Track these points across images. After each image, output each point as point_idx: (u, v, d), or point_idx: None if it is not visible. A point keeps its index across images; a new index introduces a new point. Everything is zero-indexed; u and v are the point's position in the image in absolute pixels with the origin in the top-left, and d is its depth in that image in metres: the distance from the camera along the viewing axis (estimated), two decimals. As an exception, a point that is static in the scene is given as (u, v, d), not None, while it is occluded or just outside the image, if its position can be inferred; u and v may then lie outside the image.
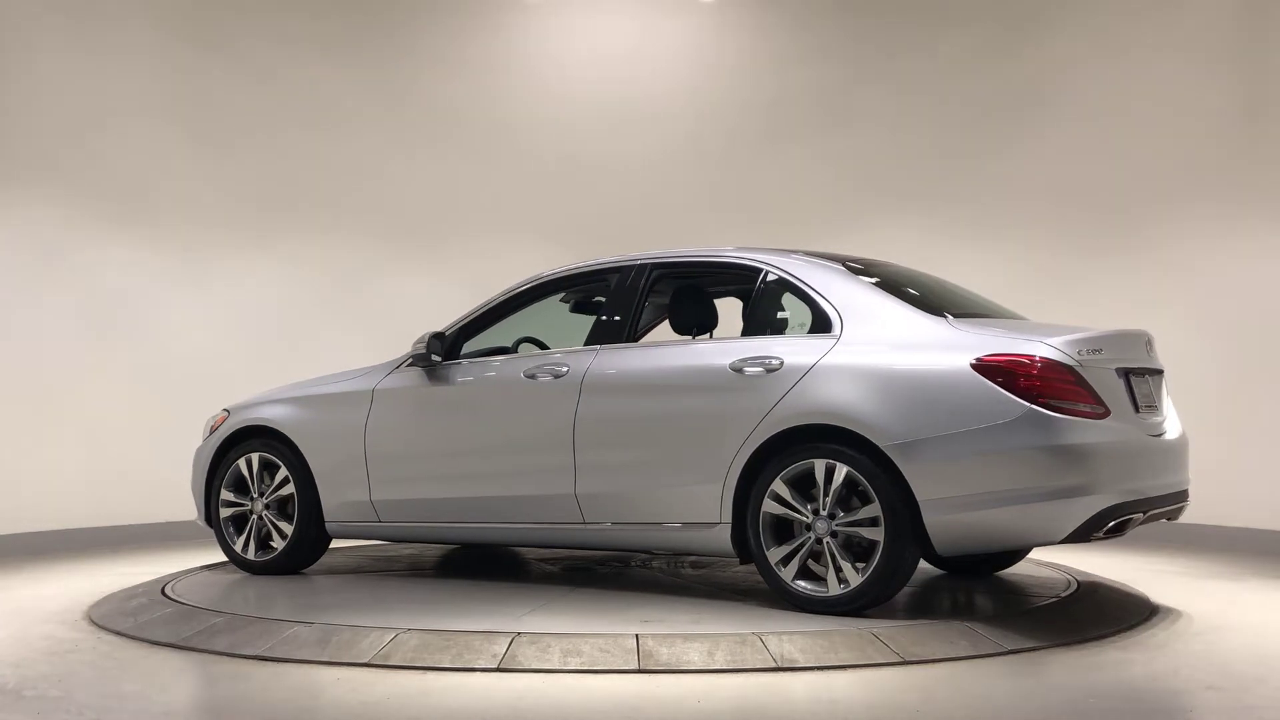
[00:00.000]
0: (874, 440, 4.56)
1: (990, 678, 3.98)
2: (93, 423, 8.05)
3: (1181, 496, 5.03)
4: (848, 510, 4.64)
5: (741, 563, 5.00)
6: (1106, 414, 4.52)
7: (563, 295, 5.98)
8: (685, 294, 5.50)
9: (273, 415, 6.17)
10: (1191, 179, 8.03)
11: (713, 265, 5.50)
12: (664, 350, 5.32)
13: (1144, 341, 5.02)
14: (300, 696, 3.83)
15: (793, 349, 4.88)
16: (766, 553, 4.78)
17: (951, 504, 4.48)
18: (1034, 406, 4.39)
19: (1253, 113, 7.82)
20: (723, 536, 4.92)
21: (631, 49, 9.52)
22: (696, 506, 4.97)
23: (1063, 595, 5.26)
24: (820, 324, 4.92)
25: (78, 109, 8.12)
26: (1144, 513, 4.64)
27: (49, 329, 7.93)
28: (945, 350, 4.60)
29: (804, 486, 4.73)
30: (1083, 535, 4.47)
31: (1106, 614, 5.00)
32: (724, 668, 4.04)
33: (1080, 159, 8.49)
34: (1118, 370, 4.71)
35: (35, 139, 7.94)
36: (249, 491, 6.16)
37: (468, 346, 5.86)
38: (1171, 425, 5.09)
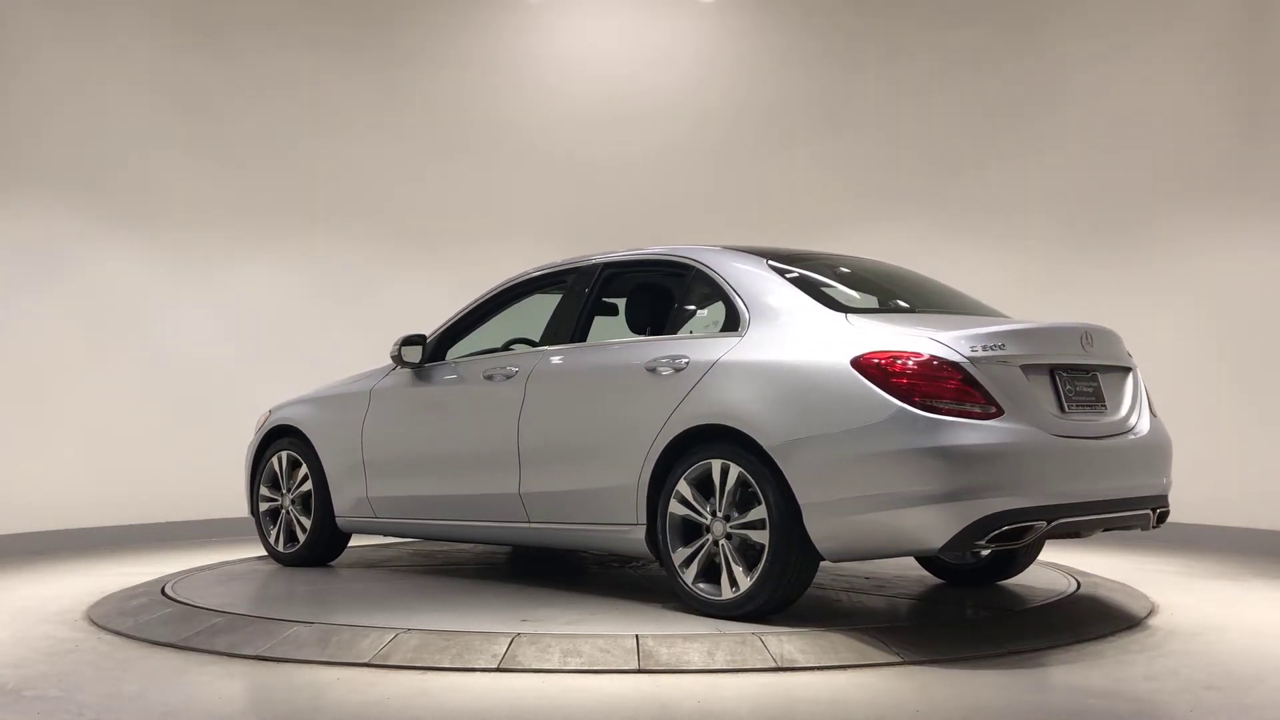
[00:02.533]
0: (759, 440, 4.44)
1: (990, 678, 3.98)
2: (93, 423, 8.06)
3: (1141, 503, 4.67)
4: (744, 513, 4.52)
5: (661, 565, 4.92)
6: (998, 414, 4.24)
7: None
8: (636, 293, 5.48)
9: (296, 415, 6.49)
10: (1191, 181, 8.03)
11: (650, 264, 5.43)
12: (596, 351, 5.31)
13: (1079, 336, 4.65)
14: (300, 696, 3.83)
15: (700, 348, 4.81)
16: (672, 554, 4.73)
17: (829, 507, 4.30)
18: (905, 406, 4.18)
19: (1252, 115, 7.82)
20: (639, 537, 4.88)
21: (632, 50, 9.53)
22: (617, 507, 4.95)
23: (1063, 595, 5.26)
24: (731, 321, 4.85)
25: (79, 112, 8.12)
26: (1048, 520, 4.26)
27: (50, 329, 7.93)
28: (832, 348, 4.42)
29: (706, 488, 4.64)
30: (962, 544, 4.18)
31: (1106, 614, 5.00)
32: (724, 668, 4.04)
33: (1079, 161, 8.49)
34: (1029, 367, 4.40)
35: (38, 142, 7.94)
36: (280, 487, 6.47)
37: (464, 347, 5.95)
38: (1139, 426, 4.77)
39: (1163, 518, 4.80)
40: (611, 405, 5.04)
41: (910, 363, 4.25)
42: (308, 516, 6.30)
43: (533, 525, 5.35)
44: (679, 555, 4.70)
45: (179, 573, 6.11)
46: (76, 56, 8.13)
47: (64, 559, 7.18)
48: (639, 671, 4.02)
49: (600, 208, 9.18)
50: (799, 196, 9.18)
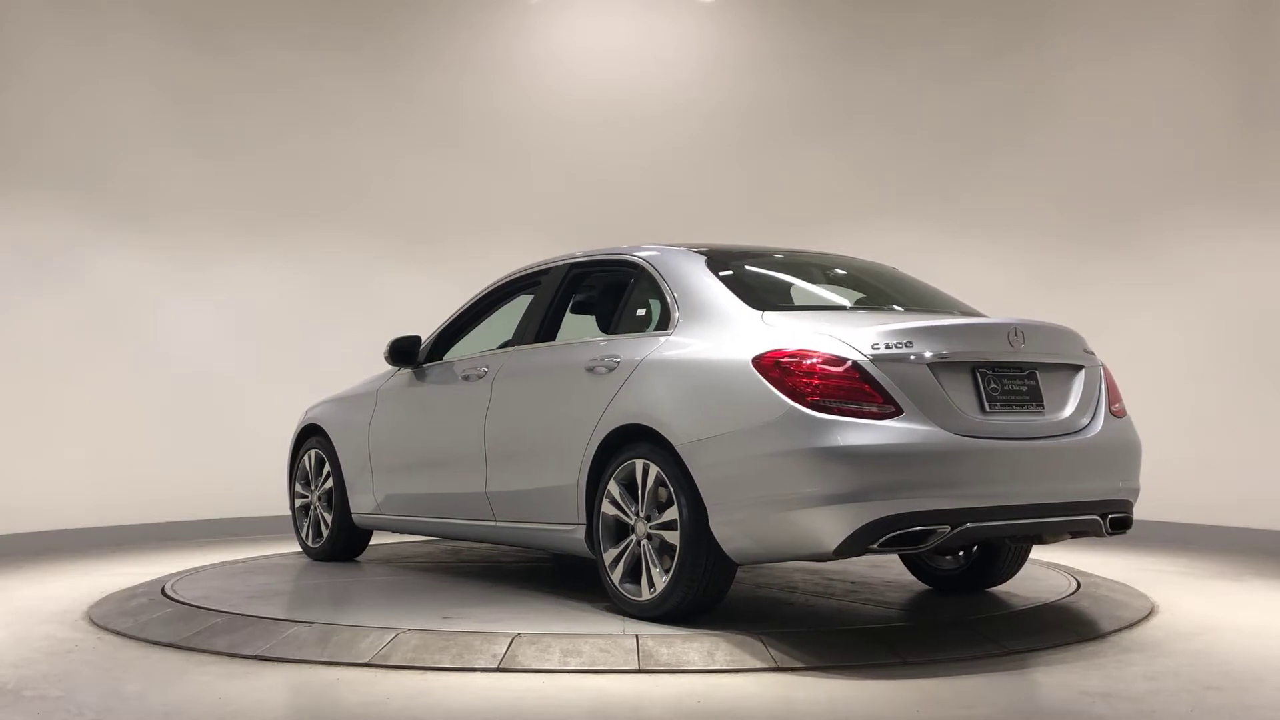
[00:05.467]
0: (671, 440, 4.41)
1: (990, 678, 3.98)
2: (93, 423, 8.05)
3: (1087, 507, 4.45)
4: (662, 513, 4.48)
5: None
6: (897, 413, 4.11)
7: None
8: (596, 293, 5.53)
9: (321, 415, 6.69)
10: (1191, 179, 8.04)
11: (608, 263, 5.42)
12: (550, 351, 5.34)
13: (1007, 333, 4.44)
14: (300, 697, 3.83)
15: (631, 348, 4.81)
16: (603, 554, 4.72)
17: (731, 507, 4.23)
18: (796, 405, 4.09)
19: (1252, 113, 7.82)
20: (581, 537, 4.88)
21: (632, 49, 9.53)
22: (562, 507, 4.97)
23: (1062, 595, 5.26)
24: (663, 320, 4.84)
25: (79, 111, 8.12)
26: (953, 525, 4.10)
27: (50, 329, 7.93)
28: (740, 346, 4.36)
29: (633, 488, 4.61)
30: (855, 547, 4.04)
31: (1106, 614, 5.00)
32: (724, 668, 4.03)
33: (1080, 159, 8.49)
34: (944, 365, 4.24)
35: (38, 142, 7.94)
36: (311, 484, 6.68)
37: (462, 348, 6.01)
38: (1089, 427, 4.54)
39: (1119, 524, 4.58)
40: (556, 405, 5.07)
41: (806, 361, 4.17)
42: (330, 513, 6.50)
43: (499, 524, 5.42)
44: (609, 555, 4.70)
45: (179, 573, 6.11)
46: (76, 56, 8.13)
47: (64, 559, 7.18)
48: (639, 671, 4.02)
49: (601, 207, 9.18)
50: (801, 195, 9.17)
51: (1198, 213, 8.02)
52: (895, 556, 5.65)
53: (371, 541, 6.85)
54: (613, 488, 4.67)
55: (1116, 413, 4.73)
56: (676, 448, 4.39)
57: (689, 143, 9.41)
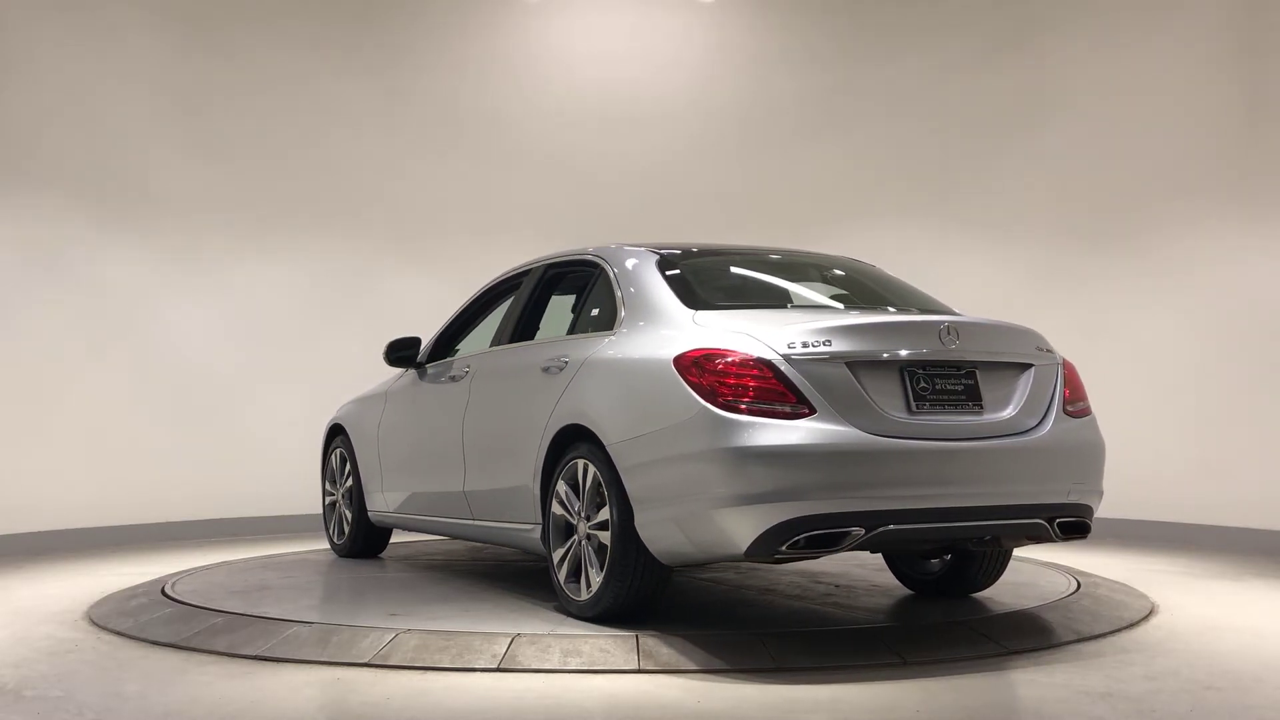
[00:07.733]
0: (603, 440, 4.40)
1: (990, 677, 3.98)
2: (93, 423, 8.06)
3: (1030, 511, 4.28)
4: (598, 513, 4.47)
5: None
6: (810, 413, 4.02)
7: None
8: (566, 293, 5.57)
9: (343, 415, 6.84)
10: (1191, 178, 8.03)
11: (576, 264, 5.42)
12: (517, 351, 5.37)
13: (938, 331, 4.28)
14: (300, 696, 3.83)
15: (578, 348, 4.81)
16: (552, 554, 4.73)
17: (654, 507, 4.20)
18: (707, 405, 4.03)
19: (1255, 111, 7.82)
20: (537, 537, 4.89)
21: (631, 50, 9.53)
22: (523, 506, 4.99)
23: (1063, 595, 5.25)
24: (611, 319, 4.83)
25: (80, 111, 8.12)
26: (867, 528, 3.99)
27: (49, 329, 7.93)
28: (666, 346, 4.32)
29: (579, 488, 4.60)
30: (765, 549, 3.96)
31: (1106, 614, 4.99)
32: (724, 668, 4.03)
33: (1082, 156, 8.50)
34: (867, 364, 4.14)
35: (39, 142, 7.94)
36: (336, 482, 6.85)
37: (463, 348, 6.07)
38: (1037, 428, 4.36)
39: (1072, 529, 4.40)
40: (517, 405, 5.10)
41: (719, 361, 4.11)
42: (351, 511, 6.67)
43: (476, 522, 5.48)
44: (557, 555, 4.71)
45: (179, 573, 6.12)
46: (77, 57, 8.13)
47: (64, 559, 7.18)
48: (639, 671, 4.02)
49: (601, 207, 9.18)
50: (800, 194, 9.18)
51: (1200, 210, 8.01)
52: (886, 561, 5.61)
53: (397, 539, 6.96)
54: (560, 487, 4.68)
55: (1077, 413, 4.54)
56: (607, 448, 4.38)
57: (688, 143, 9.41)
